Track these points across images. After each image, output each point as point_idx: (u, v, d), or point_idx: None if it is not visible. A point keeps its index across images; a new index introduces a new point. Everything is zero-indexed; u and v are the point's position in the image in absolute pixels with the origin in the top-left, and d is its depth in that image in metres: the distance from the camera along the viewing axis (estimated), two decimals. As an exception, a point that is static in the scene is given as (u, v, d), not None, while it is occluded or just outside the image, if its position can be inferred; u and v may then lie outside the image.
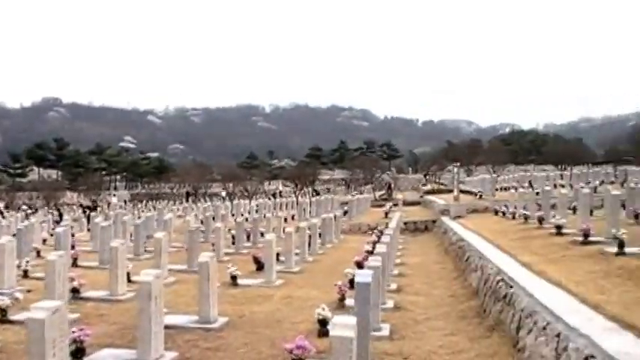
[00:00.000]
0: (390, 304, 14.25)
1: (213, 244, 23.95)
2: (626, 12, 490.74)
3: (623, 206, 24.41)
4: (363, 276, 8.99)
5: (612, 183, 48.30)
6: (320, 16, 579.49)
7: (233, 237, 27.47)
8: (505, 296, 12.20)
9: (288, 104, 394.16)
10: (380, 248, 14.56)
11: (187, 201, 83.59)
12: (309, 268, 20.75)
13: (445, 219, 33.90)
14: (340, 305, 13.20)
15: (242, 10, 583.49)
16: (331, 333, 5.73)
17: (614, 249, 14.19)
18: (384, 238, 17.31)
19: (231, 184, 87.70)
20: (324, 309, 10.88)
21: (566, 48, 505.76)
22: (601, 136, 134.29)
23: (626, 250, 14.03)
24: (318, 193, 76.06)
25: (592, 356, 7.10)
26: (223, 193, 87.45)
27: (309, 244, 23.96)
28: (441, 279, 19.40)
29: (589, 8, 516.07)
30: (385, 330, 11.60)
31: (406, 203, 50.29)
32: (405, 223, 37.03)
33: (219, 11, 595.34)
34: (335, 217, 32.10)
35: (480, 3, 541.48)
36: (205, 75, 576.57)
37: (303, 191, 75.55)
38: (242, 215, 41.37)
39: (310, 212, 45.64)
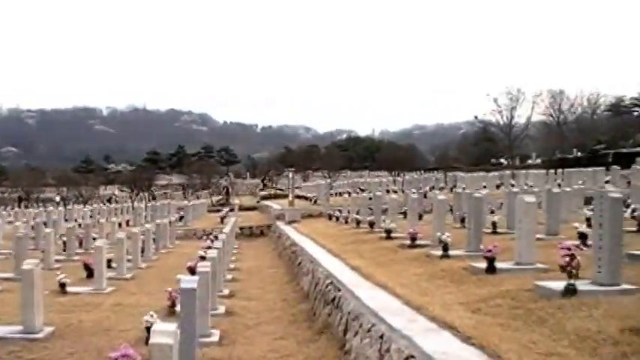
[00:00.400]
0: (221, 309, 14.22)
1: (43, 251, 23.22)
2: (456, 31, 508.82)
3: (452, 210, 25.34)
4: (188, 282, 8.93)
5: (442, 188, 49.98)
6: (156, 18, 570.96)
7: (65, 243, 26.69)
8: (334, 299, 12.40)
9: (125, 107, 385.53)
10: (211, 253, 14.51)
11: (20, 206, 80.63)
12: (142, 274, 20.46)
13: (280, 224, 34.18)
14: (171, 312, 13.04)
15: (75, 8, 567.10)
16: (150, 340, 5.65)
17: (439, 252, 14.67)
18: (216, 244, 17.28)
19: (65, 189, 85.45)
20: (152, 316, 10.73)
21: (399, 55, 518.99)
22: (433, 144, 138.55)
23: (450, 252, 14.53)
24: (154, 198, 75.10)
25: (412, 356, 7.30)
26: (57, 198, 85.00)
27: (143, 250, 23.61)
28: (274, 283, 19.56)
29: (422, 22, 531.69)
30: (215, 336, 11.57)
31: (243, 208, 50.45)
32: (241, 228, 37.13)
33: (53, 9, 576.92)
34: (170, 222, 31.78)
35: (312, 8, 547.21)
36: (41, 75, 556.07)
37: (139, 196, 74.36)
38: (75, 221, 40.32)
39: (146, 217, 45.01)
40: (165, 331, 5.69)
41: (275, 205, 44.79)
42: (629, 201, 24.09)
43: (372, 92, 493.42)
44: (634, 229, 16.99)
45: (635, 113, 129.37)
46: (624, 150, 76.17)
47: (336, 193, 53.33)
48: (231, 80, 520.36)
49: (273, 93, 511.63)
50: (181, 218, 41.74)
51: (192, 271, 16.98)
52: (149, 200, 69.44)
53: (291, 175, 46.35)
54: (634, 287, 9.26)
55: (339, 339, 10.86)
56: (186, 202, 57.98)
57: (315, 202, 44.21)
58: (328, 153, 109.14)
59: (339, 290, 12.31)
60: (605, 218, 9.56)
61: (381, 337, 8.51)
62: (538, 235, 14.70)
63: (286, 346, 11.46)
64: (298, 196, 47.53)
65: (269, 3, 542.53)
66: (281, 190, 65.24)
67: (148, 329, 10.51)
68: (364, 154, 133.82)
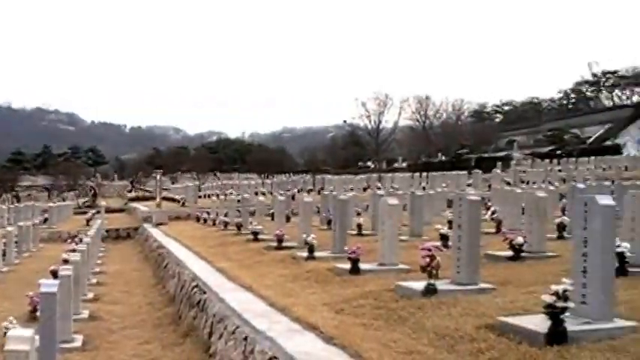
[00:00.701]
0: (85, 313, 13.99)
1: None
2: (325, 35, 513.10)
3: (319, 212, 25.62)
4: (48, 286, 8.74)
5: (310, 191, 50.44)
6: (19, 12, 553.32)
7: None
8: (199, 302, 12.38)
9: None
10: (74, 256, 14.23)
11: None
12: (3, 278, 19.84)
13: (147, 226, 33.78)
14: (32, 317, 12.67)
15: None
16: (5, 347, 5.50)
17: (305, 253, 14.80)
18: (80, 246, 16.96)
19: None
20: (11, 321, 10.46)
21: (268, 58, 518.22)
22: (302, 146, 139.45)
23: (316, 254, 14.67)
24: (18, 200, 72.97)
25: (275, 357, 7.37)
26: None
27: (5, 254, 22.89)
28: (140, 286, 19.35)
29: (292, 26, 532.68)
30: (78, 341, 11.37)
31: (110, 210, 49.51)
32: (108, 231, 36.48)
33: None
34: (34, 224, 30.93)
35: (185, 9, 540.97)
36: None
37: (2, 198, 72.08)
38: None
39: (8, 220, 43.61)
40: (21, 337, 5.56)
41: (142, 207, 44.20)
42: (489, 203, 24.94)
43: (243, 94, 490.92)
44: (493, 230, 17.64)
45: (497, 119, 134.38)
46: (486, 155, 78.83)
47: (204, 195, 53.12)
48: (100, 79, 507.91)
49: (142, 93, 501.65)
50: (46, 220, 40.66)
51: (55, 274, 16.60)
52: (12, 202, 67.34)
53: (158, 176, 45.91)
54: (490, 286, 9.62)
55: (205, 342, 10.85)
56: (51, 203, 56.55)
57: (184, 204, 43.84)
58: (198, 155, 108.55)
59: (205, 293, 12.31)
60: (463, 220, 9.86)
61: (245, 338, 8.55)
62: (402, 237, 15.07)
63: (151, 350, 11.40)
64: (166, 198, 47.10)
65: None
66: (149, 191, 64.46)
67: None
68: (234, 156, 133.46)
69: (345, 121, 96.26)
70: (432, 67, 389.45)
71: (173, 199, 48.14)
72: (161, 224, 33.82)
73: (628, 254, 9.93)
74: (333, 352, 7.09)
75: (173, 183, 75.82)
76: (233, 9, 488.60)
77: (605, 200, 7.37)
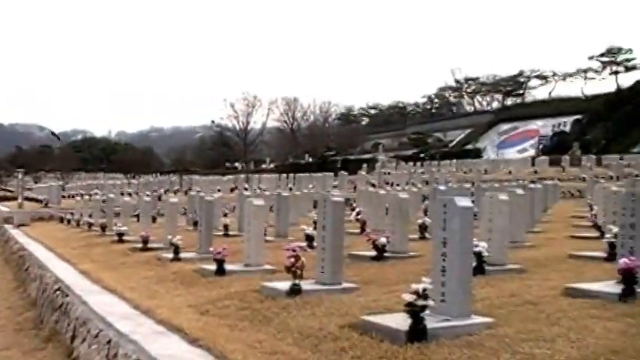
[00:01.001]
0: None
1: None
2: (191, 34, 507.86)
3: (186, 213, 25.52)
4: None
5: (177, 191, 50.10)
6: None
7: None
8: (61, 305, 12.12)
9: None
10: None
11: None
12: None
13: (8, 227, 32.76)
14: None
15: None
16: None
17: (171, 255, 14.71)
18: None
19: None
20: None
21: (135, 56, 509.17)
22: (170, 146, 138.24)
23: (182, 255, 14.59)
24: None
25: (139, 360, 7.31)
26: None
27: None
28: (0, 291, 18.77)
29: (158, 26, 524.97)
30: None
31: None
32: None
33: None
34: None
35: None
36: None
37: None
38: None
39: None
40: None
41: (3, 207, 42.77)
42: (354, 204, 25.37)
43: (109, 92, 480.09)
44: (357, 230, 17.96)
45: (363, 122, 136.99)
46: (352, 157, 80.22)
47: (69, 195, 51.98)
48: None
49: (4, 88, 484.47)
50: None
51: None
52: None
53: (20, 176, 44.62)
54: (354, 286, 9.81)
55: (67, 346, 10.62)
56: None
57: (47, 204, 42.72)
58: (62, 154, 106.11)
59: (67, 296, 12.04)
60: (328, 221, 10.02)
61: (109, 342, 8.41)
62: (268, 237, 15.20)
63: (11, 356, 11.10)
64: (29, 198, 45.85)
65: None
66: (11, 191, 62.63)
67: None
68: (100, 155, 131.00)
69: (213, 122, 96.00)
70: (300, 69, 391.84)
71: (36, 200, 46.92)
72: (23, 225, 32.90)
73: (485, 253, 10.30)
74: (198, 353, 7.06)
75: (36, 182, 73.86)
76: (90, 3, 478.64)
77: (464, 202, 7.60)
